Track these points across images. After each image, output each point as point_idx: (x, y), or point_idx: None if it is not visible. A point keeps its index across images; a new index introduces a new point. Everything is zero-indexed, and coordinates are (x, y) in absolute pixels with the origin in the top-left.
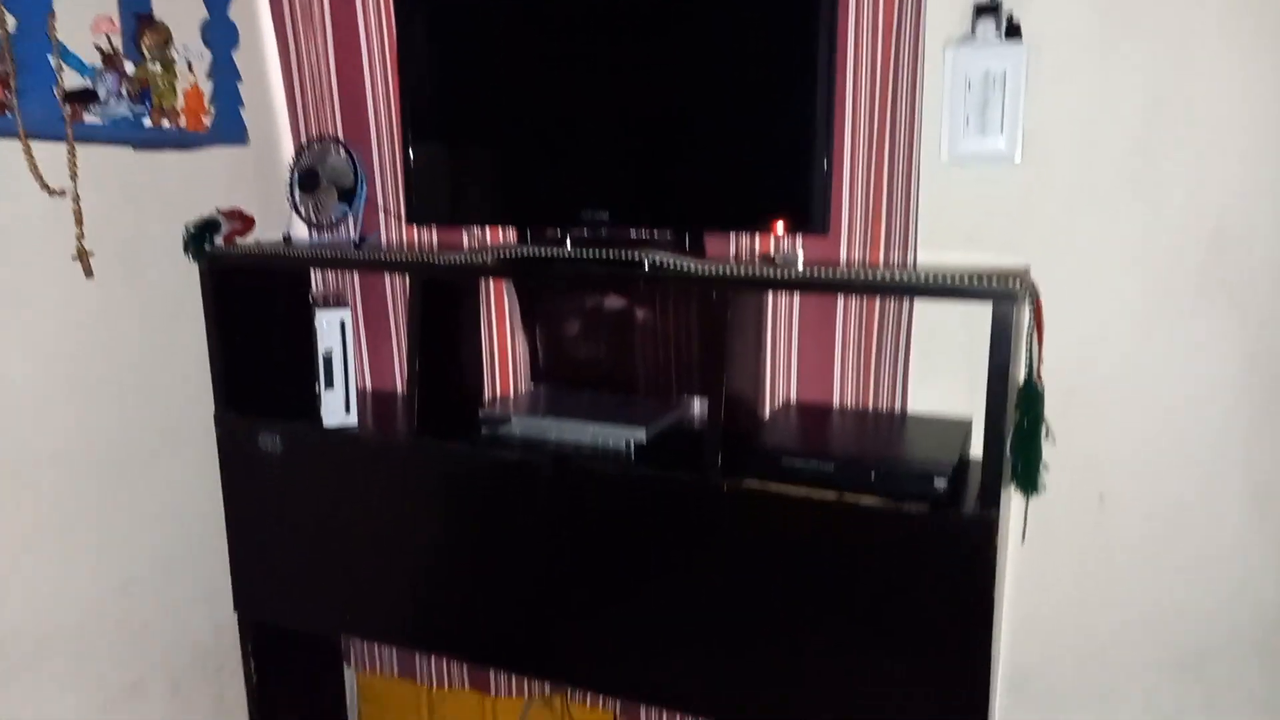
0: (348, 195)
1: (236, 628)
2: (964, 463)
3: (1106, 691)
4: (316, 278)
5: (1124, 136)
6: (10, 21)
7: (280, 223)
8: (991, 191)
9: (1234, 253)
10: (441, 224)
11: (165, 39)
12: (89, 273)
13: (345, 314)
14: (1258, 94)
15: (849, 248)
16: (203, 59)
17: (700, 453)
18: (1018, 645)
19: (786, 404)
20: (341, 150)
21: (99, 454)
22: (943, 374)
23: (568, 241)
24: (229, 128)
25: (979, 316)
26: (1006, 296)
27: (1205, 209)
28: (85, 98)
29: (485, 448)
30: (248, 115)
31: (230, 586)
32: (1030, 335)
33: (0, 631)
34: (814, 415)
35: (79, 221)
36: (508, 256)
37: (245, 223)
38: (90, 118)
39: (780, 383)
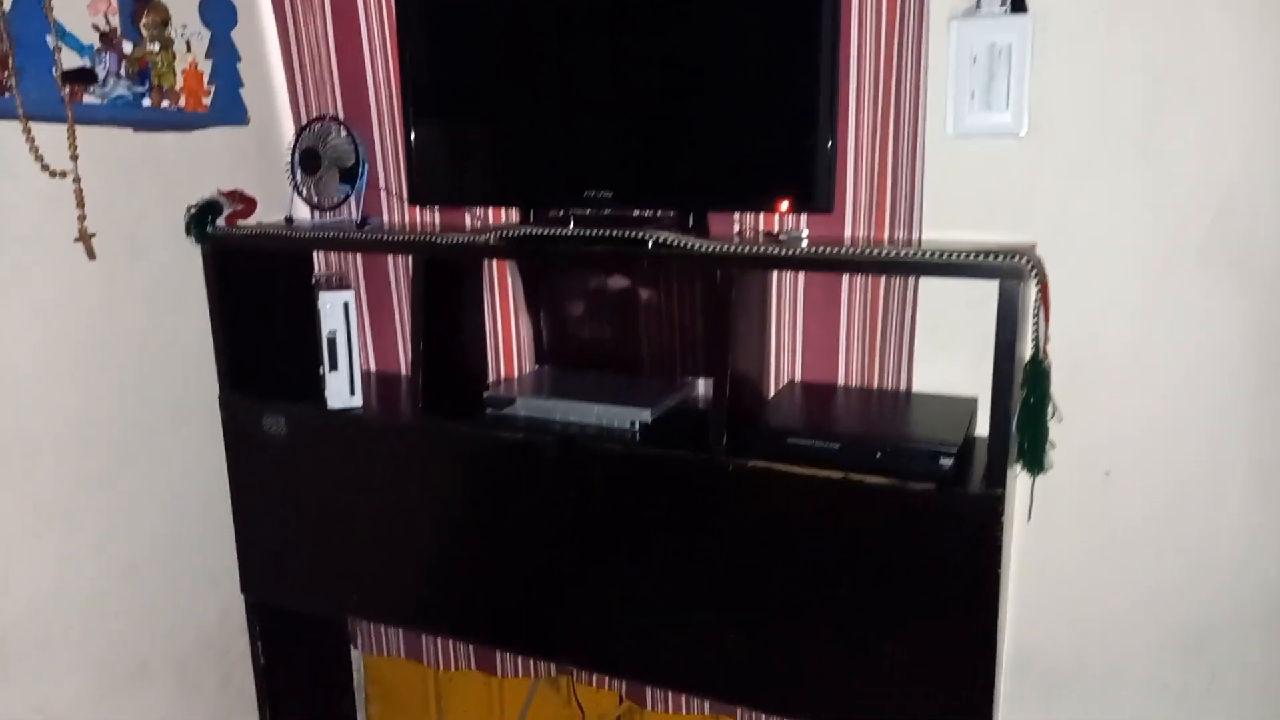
0: (349, 176)
1: (242, 610)
2: (969, 442)
3: (1110, 670)
4: (319, 259)
5: (1129, 110)
6: (7, 1)
7: (282, 204)
8: (997, 166)
9: (1240, 227)
10: (444, 205)
11: (164, 18)
12: (91, 255)
13: (349, 296)
14: (1263, 66)
15: (854, 226)
16: (201, 38)
17: (705, 433)
18: (1022, 624)
19: (791, 383)
20: (342, 130)
21: (103, 437)
22: (948, 353)
23: (571, 221)
24: (229, 108)
25: (985, 294)
26: (1013, 274)
27: (1211, 183)
28: (84, 78)
29: (490, 429)
30: (247, 95)
31: (236, 569)
32: (1037, 312)
33: (6, 615)
34: (819, 394)
35: (80, 203)
36: (511, 236)
37: (247, 204)
38: (89, 98)
39: (785, 362)
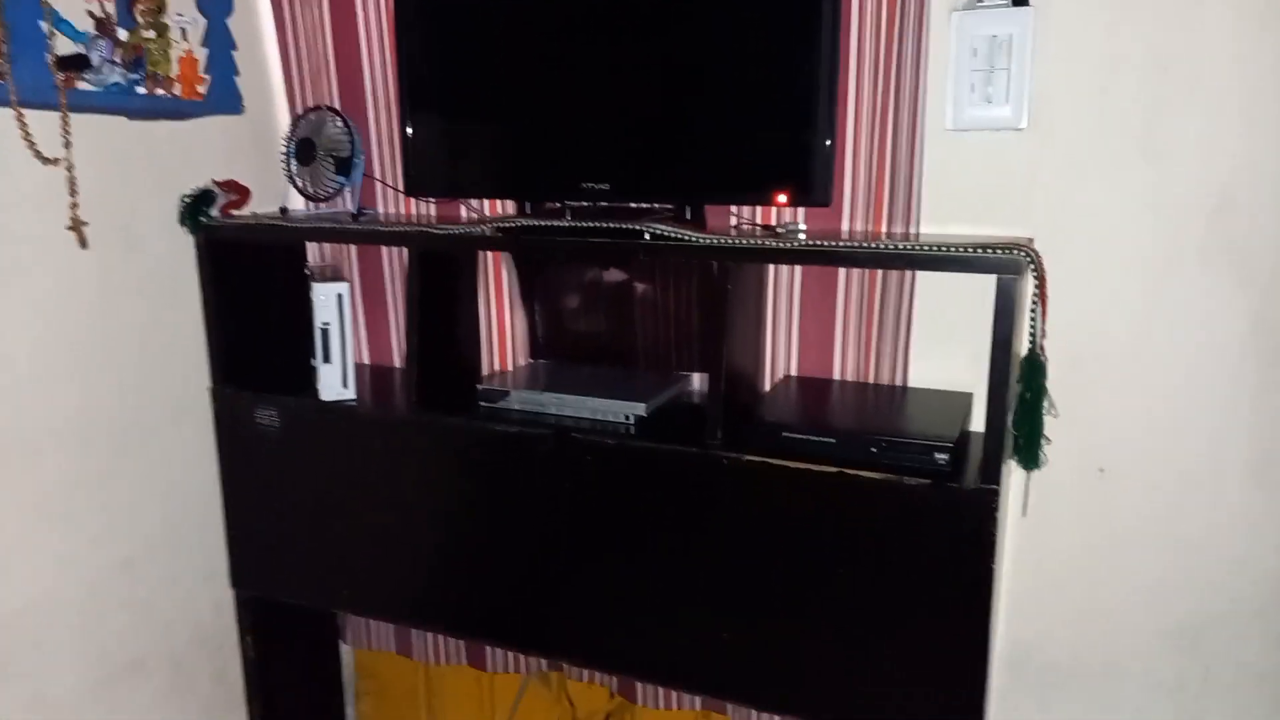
0: (345, 167)
1: (234, 604)
2: (965, 436)
3: (1105, 665)
4: (313, 250)
5: (1129, 105)
6: None
7: (276, 195)
8: (996, 160)
9: (1239, 224)
10: (440, 197)
11: (159, 5)
12: (84, 243)
13: (343, 287)
14: (1263, 63)
15: (851, 220)
16: (197, 26)
17: (700, 427)
18: (1017, 619)
19: (787, 378)
20: (338, 121)
21: (99, 432)
22: (944, 348)
23: (568, 214)
24: (224, 97)
25: (981, 289)
26: (1011, 268)
27: (1210, 179)
28: (78, 64)
29: (484, 422)
30: (243, 84)
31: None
32: (1034, 307)
33: (3, 611)
34: (815, 389)
35: (73, 191)
36: (507, 228)
37: (241, 194)
38: (83, 85)
39: (780, 356)
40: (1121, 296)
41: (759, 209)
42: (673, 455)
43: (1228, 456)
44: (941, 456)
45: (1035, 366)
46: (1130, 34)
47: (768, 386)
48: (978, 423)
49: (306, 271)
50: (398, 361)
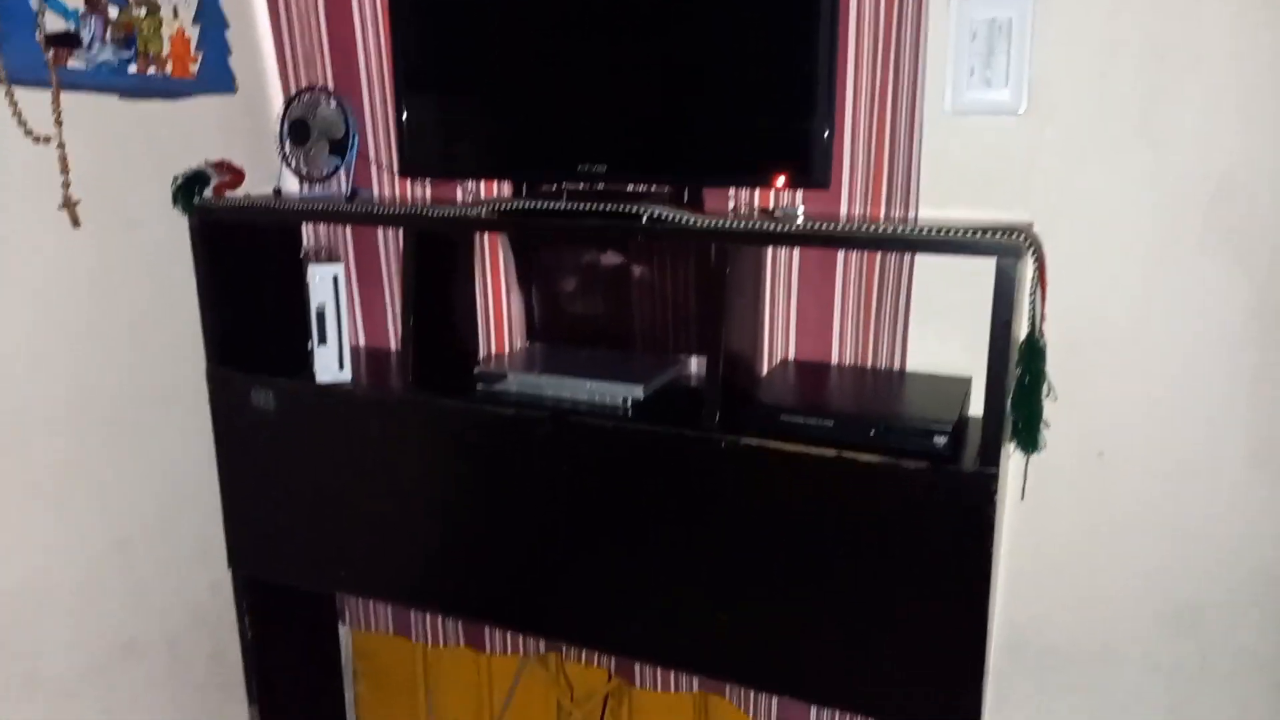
0: (339, 147)
1: (231, 585)
2: (964, 420)
3: (1102, 649)
4: (308, 232)
5: (1129, 88)
6: None
7: (270, 175)
8: (995, 144)
9: (1238, 207)
10: (435, 177)
11: None
12: (76, 222)
13: (338, 269)
14: (1264, 43)
15: (850, 203)
16: (189, 4)
17: (698, 410)
18: (1014, 603)
19: (785, 361)
20: (332, 101)
21: (90, 410)
22: (943, 332)
23: (564, 195)
24: (216, 76)
25: (980, 273)
26: (1010, 251)
27: (1209, 162)
28: (68, 42)
29: (481, 404)
30: (235, 64)
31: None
32: (1033, 291)
33: None
34: (812, 372)
35: (65, 169)
36: (503, 209)
37: (235, 175)
38: (74, 63)
39: (778, 340)
40: (1120, 281)
41: (757, 193)
42: (670, 438)
43: (1227, 441)
44: (940, 439)
45: (1035, 350)
46: (1130, 19)
47: (765, 370)
48: (976, 407)
49: (301, 253)
50: (394, 344)
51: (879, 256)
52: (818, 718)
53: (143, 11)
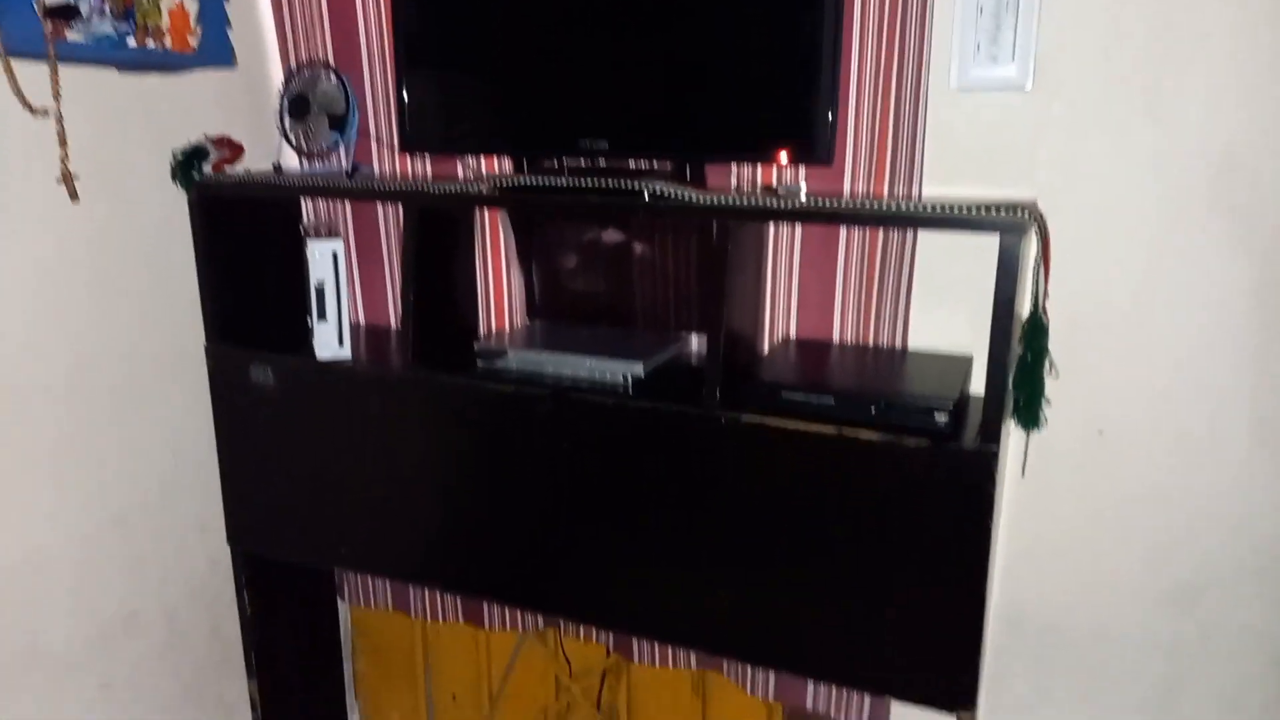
0: (339, 123)
1: (230, 560)
2: (965, 398)
3: (1101, 626)
4: (308, 208)
5: (1134, 64)
6: None
7: (270, 151)
8: (1001, 120)
9: (1244, 184)
10: (436, 153)
11: None
12: (74, 196)
13: (338, 245)
14: (1269, 22)
15: (852, 180)
16: None
17: (699, 387)
18: (1013, 580)
19: (786, 339)
20: (332, 76)
21: (89, 385)
22: (945, 310)
23: (565, 171)
24: (215, 49)
25: (983, 251)
26: (1014, 228)
27: (1214, 138)
28: (67, 14)
29: (481, 381)
30: (235, 37)
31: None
32: (1037, 268)
33: None
34: (814, 350)
35: (63, 143)
36: (503, 185)
37: (234, 150)
38: (72, 36)
39: (780, 318)
40: (1123, 258)
41: (759, 170)
42: (671, 415)
43: (1228, 420)
44: (941, 417)
45: (1037, 327)
46: None
47: (766, 348)
48: (977, 386)
49: (301, 229)
50: (394, 322)
51: (881, 234)
52: (815, 693)
53: None
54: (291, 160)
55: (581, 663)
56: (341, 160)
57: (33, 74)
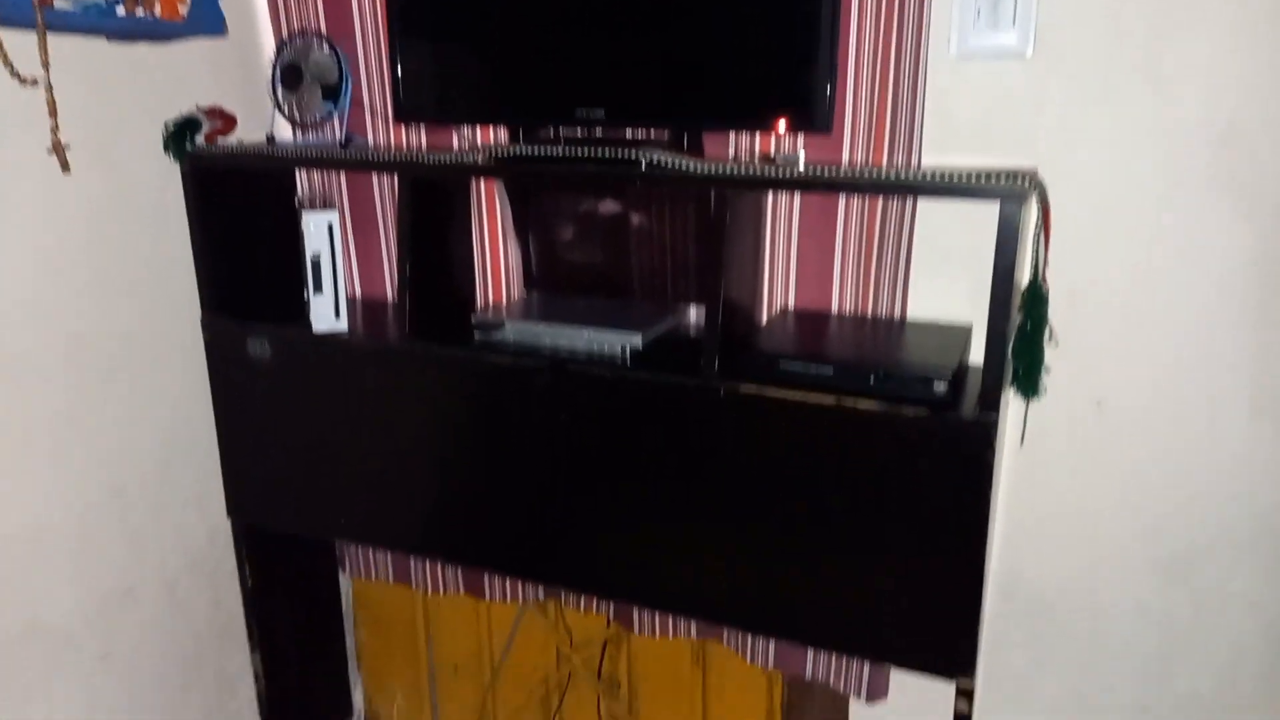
0: (332, 93)
1: (230, 532)
2: (964, 367)
3: (1096, 595)
4: (302, 179)
5: (1136, 31)
6: None
7: (263, 122)
8: (1001, 88)
9: (1245, 153)
10: (430, 123)
11: None
12: (65, 167)
13: (333, 216)
14: None
15: (851, 149)
16: None
17: (697, 358)
18: (1011, 550)
19: (784, 310)
20: (325, 45)
21: (83, 357)
22: (944, 280)
23: (561, 141)
24: (206, 17)
25: (982, 220)
26: (1014, 196)
27: (1216, 107)
28: None
29: (478, 353)
30: (226, 5)
31: (223, 492)
32: (1037, 236)
33: None
34: (812, 320)
35: (53, 113)
36: (499, 155)
37: (227, 121)
38: (61, 4)
39: (778, 289)
40: (1124, 227)
41: (757, 139)
42: (669, 386)
43: (1226, 390)
44: (940, 386)
45: (1037, 296)
46: None
47: (765, 319)
48: (977, 356)
49: (296, 201)
50: (390, 294)
51: (880, 203)
52: (814, 661)
53: None
54: (285, 131)
55: (582, 633)
56: (335, 131)
57: (21, 43)
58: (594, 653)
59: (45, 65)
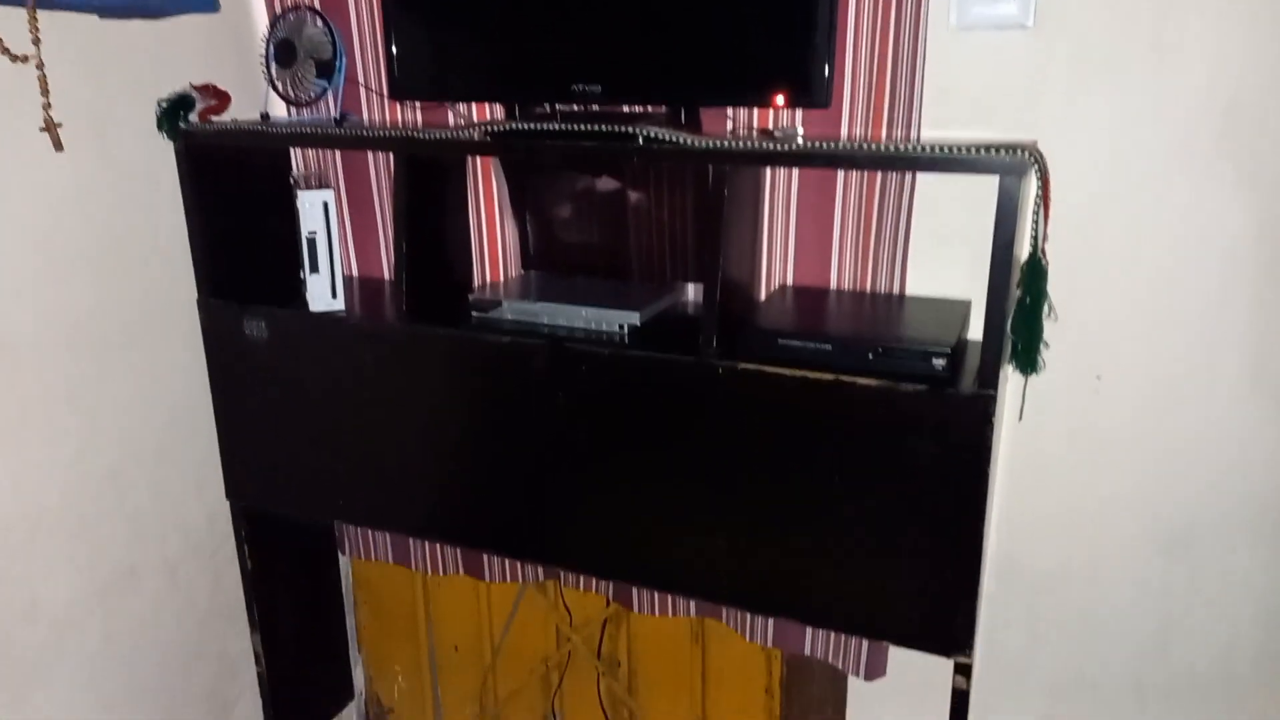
0: (326, 70)
1: (229, 515)
2: (963, 343)
3: (1093, 570)
4: (297, 158)
5: (1141, 1)
6: None
7: (256, 100)
8: (1001, 59)
9: (1248, 125)
10: (426, 100)
11: None
12: (58, 146)
13: (328, 195)
14: None
15: (850, 124)
16: None
17: (695, 336)
18: (1008, 526)
19: (783, 286)
20: (318, 21)
21: (81, 340)
22: (942, 256)
23: (558, 117)
24: None
25: (981, 194)
26: (1014, 169)
27: (1221, 78)
28: None
29: (476, 332)
30: None
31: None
32: (1036, 210)
33: None
34: (811, 297)
35: (45, 91)
36: (495, 132)
37: (220, 99)
38: None
39: (777, 266)
40: (1125, 201)
41: (755, 114)
42: (667, 364)
43: (1227, 364)
44: (939, 362)
45: (1037, 270)
46: None
47: (763, 296)
48: (975, 331)
49: (291, 179)
50: (387, 274)
51: (879, 178)
52: (813, 639)
53: None
54: (279, 109)
55: (581, 613)
56: (330, 109)
57: (10, 17)
58: (593, 632)
59: (36, 42)
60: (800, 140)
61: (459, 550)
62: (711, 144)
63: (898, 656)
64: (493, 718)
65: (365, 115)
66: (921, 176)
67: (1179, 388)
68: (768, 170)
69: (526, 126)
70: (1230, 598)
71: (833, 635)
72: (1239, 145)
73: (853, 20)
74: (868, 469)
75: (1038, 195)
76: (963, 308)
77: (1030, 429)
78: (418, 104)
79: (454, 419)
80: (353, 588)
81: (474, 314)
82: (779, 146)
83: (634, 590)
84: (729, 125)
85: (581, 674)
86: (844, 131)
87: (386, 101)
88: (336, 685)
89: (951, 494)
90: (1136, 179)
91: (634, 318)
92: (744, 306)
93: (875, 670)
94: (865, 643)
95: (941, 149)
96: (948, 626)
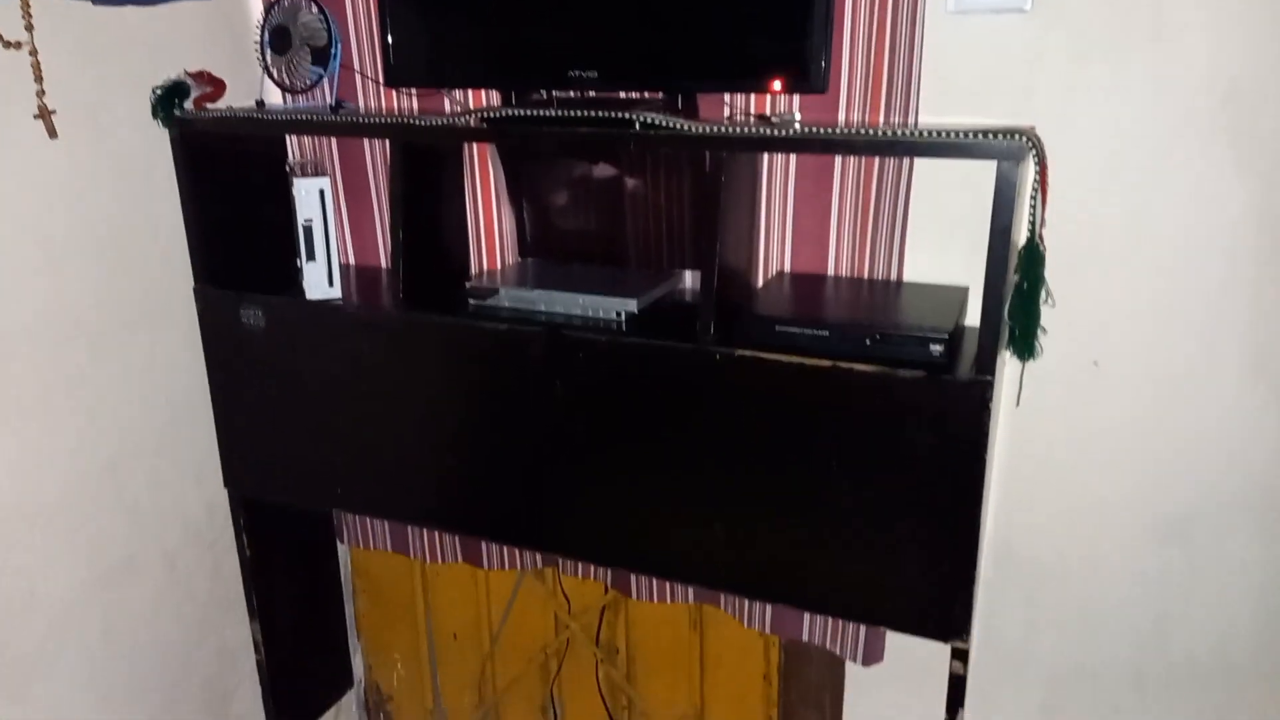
0: (322, 57)
1: (227, 504)
2: (960, 329)
3: (1091, 558)
4: (293, 145)
5: None
6: None
7: (252, 87)
8: (999, 44)
9: (1246, 110)
10: (422, 87)
11: None
12: (53, 133)
13: (324, 183)
14: None
15: (848, 109)
16: None
17: (693, 323)
18: (1006, 513)
19: (780, 273)
20: (314, 7)
21: (77, 330)
22: (940, 242)
23: (554, 104)
24: None
25: (979, 179)
26: (1011, 154)
27: (1219, 63)
28: None
29: (473, 320)
30: None
31: (219, 462)
32: (1034, 195)
33: None
34: (808, 284)
35: (38, 78)
36: (491, 118)
37: (216, 86)
38: None
39: (774, 252)
40: (1123, 186)
41: (753, 100)
42: (665, 351)
43: (1224, 351)
44: (936, 348)
45: (1034, 255)
46: None
47: (760, 282)
48: (972, 318)
49: (287, 167)
50: (383, 261)
51: (877, 164)
52: (811, 625)
53: None
54: (274, 96)
55: (580, 600)
56: (325, 95)
57: (4, 5)
58: (592, 619)
59: (29, 28)
60: (797, 126)
61: (457, 538)
62: (708, 129)
63: (895, 642)
64: (492, 705)
65: (361, 102)
66: (919, 162)
67: (1177, 374)
68: (765, 156)
69: (523, 113)
70: (1228, 585)
71: (830, 621)
72: (1239, 130)
73: (850, 5)
74: (865, 454)
75: (1035, 180)
76: (960, 294)
77: (1028, 415)
78: (414, 91)
79: (451, 407)
80: (351, 576)
81: (471, 301)
82: (776, 132)
83: (632, 577)
84: (726, 111)
85: (580, 661)
86: (841, 117)
87: (382, 88)
88: (336, 673)
89: (949, 479)
90: (1135, 164)
91: (631, 305)
92: (741, 293)
93: (873, 656)
94: (863, 629)
95: (939, 134)
96: (945, 612)
